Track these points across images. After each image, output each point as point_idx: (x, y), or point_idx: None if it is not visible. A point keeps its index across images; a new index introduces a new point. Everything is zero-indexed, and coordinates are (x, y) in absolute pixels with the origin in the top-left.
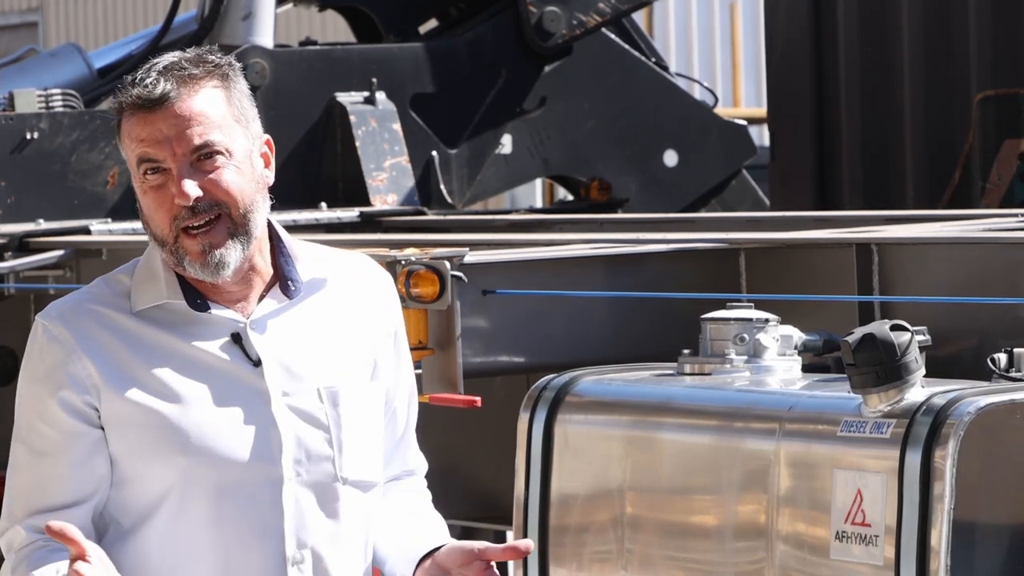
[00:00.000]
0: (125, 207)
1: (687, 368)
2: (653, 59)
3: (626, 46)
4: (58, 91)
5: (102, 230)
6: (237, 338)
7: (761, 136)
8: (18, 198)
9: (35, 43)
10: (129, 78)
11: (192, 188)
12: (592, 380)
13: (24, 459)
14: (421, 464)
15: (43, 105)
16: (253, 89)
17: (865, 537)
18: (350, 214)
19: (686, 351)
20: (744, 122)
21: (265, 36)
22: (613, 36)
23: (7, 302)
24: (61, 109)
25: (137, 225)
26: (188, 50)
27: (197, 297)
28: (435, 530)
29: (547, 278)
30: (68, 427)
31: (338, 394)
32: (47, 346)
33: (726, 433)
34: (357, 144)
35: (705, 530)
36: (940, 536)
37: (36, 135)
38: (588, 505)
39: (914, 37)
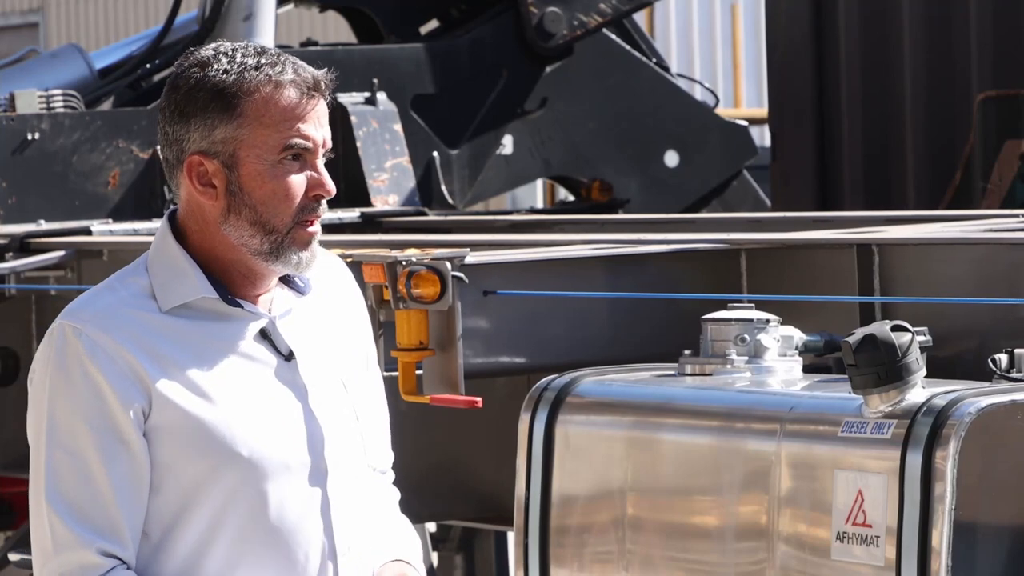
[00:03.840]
0: (126, 208)
1: (688, 369)
2: (654, 60)
3: (627, 47)
4: (59, 92)
5: (103, 231)
6: (264, 333)
7: (762, 137)
8: (19, 199)
9: (36, 44)
10: (251, 62)
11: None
12: (593, 381)
13: (73, 474)
14: (390, 458)
15: (44, 106)
16: None
17: (866, 538)
18: (351, 215)
19: (687, 352)
20: (745, 123)
21: (266, 37)
22: (614, 37)
23: (8, 303)
24: (62, 110)
25: (138, 226)
26: (277, 49)
27: (227, 292)
28: (397, 544)
29: (548, 279)
30: (123, 436)
31: (354, 384)
32: (86, 351)
33: (727, 434)
34: (358, 145)
35: (706, 531)
36: (941, 537)
37: (37, 136)
38: (589, 506)
39: (915, 38)
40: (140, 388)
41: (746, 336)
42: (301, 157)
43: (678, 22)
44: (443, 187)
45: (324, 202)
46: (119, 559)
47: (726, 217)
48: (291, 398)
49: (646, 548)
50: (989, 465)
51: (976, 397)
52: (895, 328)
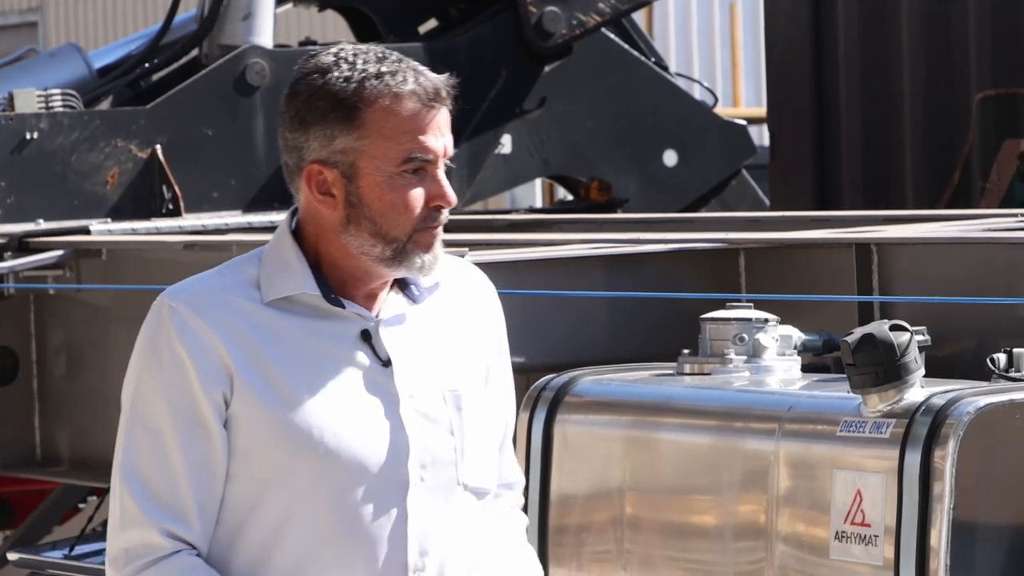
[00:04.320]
0: (125, 207)
1: (687, 368)
2: (653, 59)
3: (626, 46)
4: (58, 91)
5: (102, 230)
6: (366, 336)
7: (761, 136)
8: (18, 198)
9: (35, 43)
10: (372, 70)
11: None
12: (591, 380)
13: (149, 452)
14: (518, 477)
15: (43, 105)
16: (252, 89)
17: (865, 537)
18: None
19: (686, 351)
20: (744, 122)
21: (265, 36)
22: (613, 36)
23: (7, 302)
24: (61, 109)
25: (137, 225)
26: (398, 54)
27: (331, 292)
28: None
29: (547, 278)
30: (202, 419)
31: (460, 398)
32: (179, 331)
33: (726, 433)
34: None
35: (705, 530)
36: (940, 536)
37: (36, 135)
38: (588, 505)
39: (914, 37)
40: (224, 374)
41: (745, 335)
42: (421, 168)
43: (677, 21)
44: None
45: (446, 212)
46: (185, 542)
47: (725, 216)
48: (379, 404)
49: (645, 547)
50: (988, 464)
51: (975, 397)
52: (894, 327)
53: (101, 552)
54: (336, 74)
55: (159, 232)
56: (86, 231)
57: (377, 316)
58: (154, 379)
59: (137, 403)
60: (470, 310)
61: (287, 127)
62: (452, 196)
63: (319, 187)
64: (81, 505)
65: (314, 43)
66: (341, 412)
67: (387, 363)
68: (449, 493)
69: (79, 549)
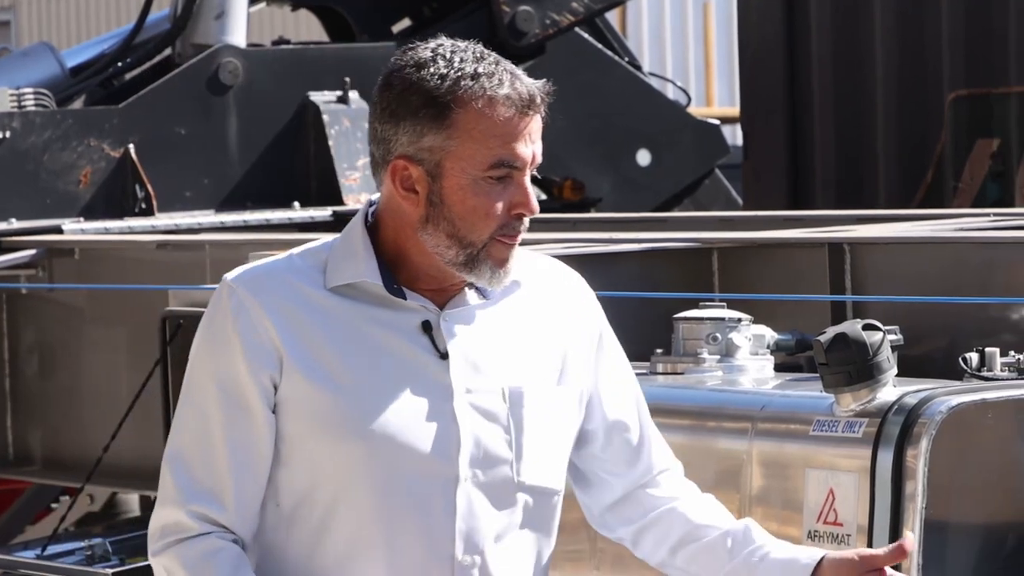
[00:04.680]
0: (97, 206)
1: (660, 367)
2: (626, 59)
3: (599, 46)
4: (30, 90)
5: (74, 229)
6: (427, 327)
7: (734, 135)
8: None
9: (7, 42)
10: (468, 69)
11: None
12: None
13: (194, 431)
14: (673, 463)
15: (15, 104)
16: (225, 88)
17: (837, 536)
18: (323, 213)
19: (659, 350)
20: (717, 121)
21: (238, 35)
22: (586, 36)
23: None
24: (33, 108)
25: (110, 224)
26: (496, 55)
27: (394, 282)
28: (784, 547)
29: None
30: (248, 402)
31: (522, 396)
32: (233, 311)
33: (698, 432)
34: (330, 143)
35: None
36: (912, 535)
37: (8, 134)
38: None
39: (887, 37)
40: (274, 357)
41: (718, 335)
42: (507, 174)
43: (650, 21)
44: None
45: (527, 220)
46: (218, 524)
47: (698, 216)
48: (433, 396)
49: (617, 547)
50: (960, 464)
51: (947, 396)
52: (866, 327)
53: (74, 552)
54: (432, 70)
55: (132, 231)
56: (59, 230)
57: (442, 309)
58: (207, 359)
59: (190, 381)
60: (552, 311)
61: (377, 118)
62: (535, 205)
63: (403, 182)
64: (54, 505)
65: (287, 42)
66: (391, 401)
67: (444, 355)
68: (504, 492)
69: (51, 549)
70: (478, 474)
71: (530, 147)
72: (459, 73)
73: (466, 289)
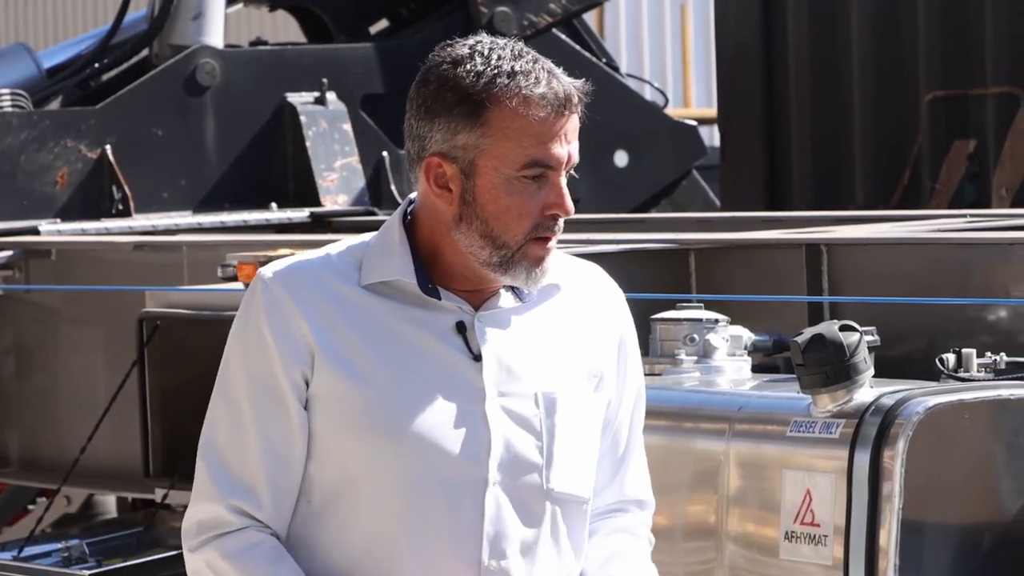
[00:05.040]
0: (74, 208)
1: None
2: (604, 60)
3: (577, 47)
4: (7, 91)
5: (51, 230)
6: (461, 328)
7: (711, 137)
8: None
9: None
10: (506, 67)
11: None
12: None
13: (227, 426)
14: (648, 496)
15: None
16: (203, 89)
17: (814, 537)
18: (300, 214)
19: None
20: (694, 123)
21: (215, 36)
22: (564, 37)
23: None
24: (10, 109)
25: (87, 225)
26: (534, 53)
27: (429, 281)
28: None
29: None
30: (281, 397)
31: (556, 401)
32: (266, 307)
33: (676, 433)
34: (307, 144)
35: (655, 530)
36: (889, 536)
37: None
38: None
39: (864, 39)
40: (306, 353)
41: (695, 336)
42: (542, 175)
43: (628, 22)
44: (393, 187)
45: (561, 221)
46: (254, 519)
47: (675, 217)
48: (464, 399)
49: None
50: (937, 464)
51: (924, 397)
52: (843, 328)
53: (51, 554)
54: (468, 67)
55: (109, 232)
56: (35, 231)
57: (477, 310)
58: (240, 353)
59: (224, 376)
60: (588, 315)
61: (413, 115)
62: (570, 206)
63: (437, 180)
64: (30, 506)
65: (264, 43)
66: (422, 400)
67: (478, 357)
68: (533, 498)
69: (28, 550)
70: (507, 479)
71: (565, 147)
72: (496, 71)
73: (502, 291)
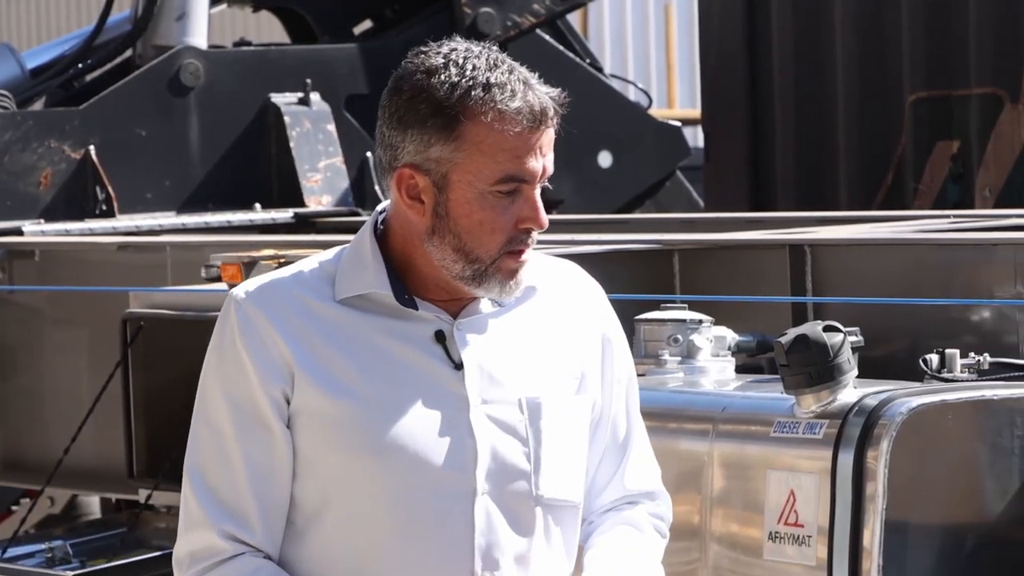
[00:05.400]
0: (58, 208)
1: None
2: (588, 60)
3: (561, 47)
4: None
5: (35, 231)
6: (440, 337)
7: (695, 137)
8: None
9: None
10: (481, 79)
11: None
12: None
13: (211, 451)
14: (657, 486)
15: None
16: (187, 90)
17: (798, 537)
18: (284, 215)
19: None
20: (678, 123)
21: (199, 37)
22: (548, 37)
23: None
24: None
25: (70, 226)
26: (510, 62)
27: (405, 292)
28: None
29: None
30: (262, 417)
31: (540, 406)
32: (240, 327)
33: (660, 434)
34: (291, 145)
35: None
36: (872, 536)
37: None
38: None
39: (848, 39)
40: (285, 372)
41: (679, 336)
42: (516, 188)
43: (612, 23)
44: (377, 188)
45: (535, 234)
46: (247, 544)
47: (659, 218)
48: (448, 408)
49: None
50: (920, 465)
51: (907, 397)
52: (827, 328)
53: (34, 554)
54: (442, 77)
55: (93, 233)
56: (19, 232)
57: (456, 318)
58: (217, 375)
59: (202, 399)
60: (567, 315)
61: (385, 123)
62: (544, 219)
63: (408, 191)
64: (14, 507)
65: (248, 44)
66: (404, 414)
67: (459, 366)
68: (522, 506)
69: (11, 551)
70: (495, 487)
71: (540, 160)
72: (471, 83)
73: (479, 298)
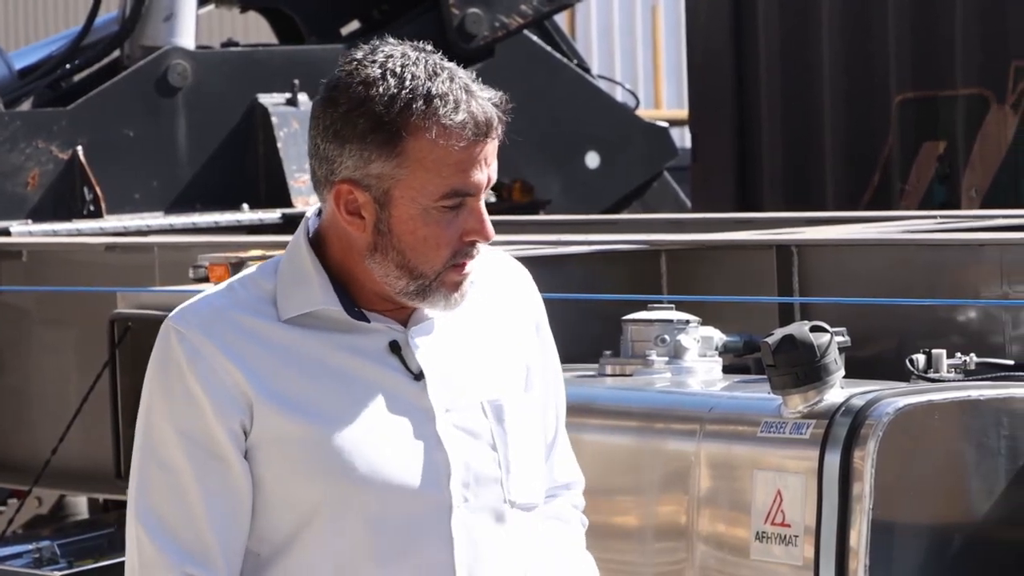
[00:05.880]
0: (45, 208)
1: (608, 369)
2: (575, 61)
3: (548, 48)
4: None
5: (22, 231)
6: (395, 348)
7: (683, 138)
8: None
9: None
10: (421, 90)
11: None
12: None
13: (164, 489)
14: (577, 476)
15: None
16: (174, 90)
17: (785, 537)
18: (272, 216)
19: (607, 352)
20: (666, 124)
21: (187, 37)
22: (535, 38)
23: None
24: None
25: (58, 227)
26: (455, 66)
27: (353, 305)
28: None
29: None
30: (219, 451)
31: (502, 408)
32: (188, 358)
33: (647, 434)
34: (279, 146)
35: (626, 531)
36: (859, 536)
37: None
38: None
39: (834, 40)
40: (242, 402)
41: (666, 337)
42: (461, 202)
43: (599, 23)
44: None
45: (480, 246)
46: None
47: (646, 218)
48: (413, 422)
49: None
50: (907, 465)
51: (894, 397)
52: (814, 329)
53: (21, 555)
54: (381, 89)
55: (80, 233)
56: (6, 232)
57: (406, 326)
58: (166, 411)
59: (149, 437)
60: (505, 307)
61: (319, 135)
62: (490, 231)
63: (348, 207)
64: (1, 508)
65: (236, 44)
66: (371, 433)
67: (419, 376)
68: (497, 513)
69: None
70: (471, 498)
71: (485, 171)
72: (411, 95)
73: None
